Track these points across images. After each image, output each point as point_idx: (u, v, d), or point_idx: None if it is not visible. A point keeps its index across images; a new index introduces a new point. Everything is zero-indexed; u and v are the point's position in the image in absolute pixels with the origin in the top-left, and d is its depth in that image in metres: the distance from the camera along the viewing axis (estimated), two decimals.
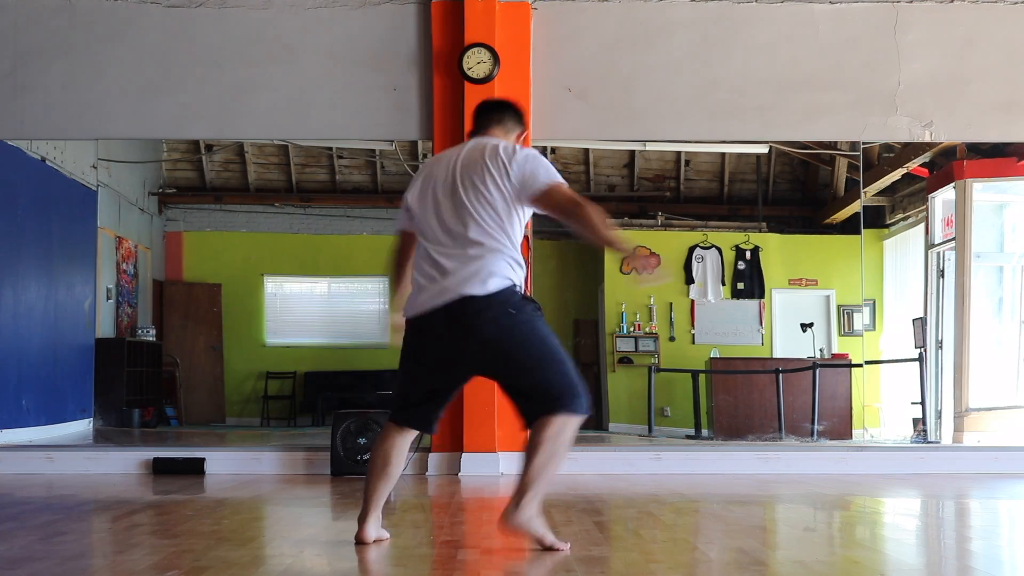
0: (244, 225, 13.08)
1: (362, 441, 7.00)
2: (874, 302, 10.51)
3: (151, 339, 11.83)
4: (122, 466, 7.21)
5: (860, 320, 10.41)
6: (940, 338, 9.45)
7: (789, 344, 10.88)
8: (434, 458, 7.09)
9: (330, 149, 12.42)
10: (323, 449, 7.19)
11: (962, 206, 9.28)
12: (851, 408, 9.54)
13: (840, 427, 9.40)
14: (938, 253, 9.57)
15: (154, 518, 4.89)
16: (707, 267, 11.21)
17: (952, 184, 9.34)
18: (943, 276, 9.50)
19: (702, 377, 10.47)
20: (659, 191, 12.21)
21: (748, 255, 11.18)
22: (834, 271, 10.90)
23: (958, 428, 9.08)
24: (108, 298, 11.07)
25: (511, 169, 3.82)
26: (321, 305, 13.41)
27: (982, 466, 7.29)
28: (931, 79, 7.50)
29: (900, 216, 10.52)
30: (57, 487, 6.24)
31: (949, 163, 9.38)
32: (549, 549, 3.78)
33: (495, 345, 3.75)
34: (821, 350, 10.55)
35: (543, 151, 11.64)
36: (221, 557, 3.65)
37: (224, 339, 12.83)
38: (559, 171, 3.84)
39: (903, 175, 9.81)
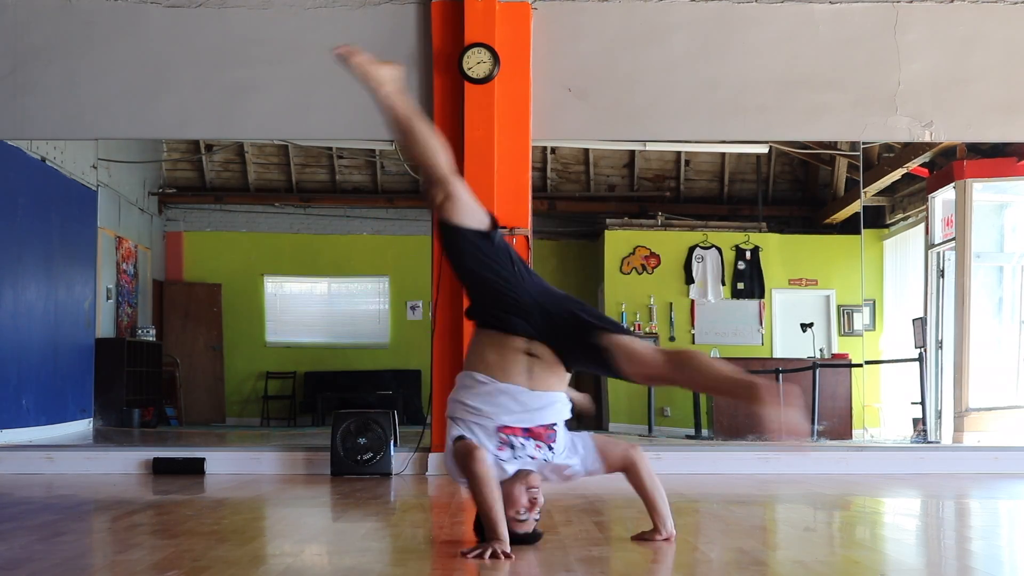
0: (244, 225, 13.09)
1: (362, 441, 6.99)
2: (874, 302, 10.51)
3: (151, 339, 11.83)
4: (122, 466, 7.20)
5: (860, 320, 10.41)
6: (940, 338, 9.45)
7: (789, 344, 10.88)
8: (434, 458, 7.08)
9: (330, 149, 12.42)
10: (323, 449, 7.18)
11: (962, 206, 9.28)
12: (851, 408, 9.53)
13: (840, 427, 9.39)
14: (938, 253, 9.57)
15: (154, 518, 4.89)
16: (707, 267, 11.22)
17: (952, 184, 9.34)
18: (943, 276, 9.50)
19: None
20: (659, 191, 12.22)
21: (748, 255, 11.18)
22: (834, 271, 10.90)
23: (958, 428, 9.08)
24: (108, 298, 11.07)
25: None
26: (321, 305, 13.42)
27: (982, 466, 7.29)
28: (931, 79, 7.49)
29: (900, 216, 10.52)
30: (57, 487, 6.23)
31: (949, 163, 9.38)
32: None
33: None
34: (821, 350, 10.54)
35: (543, 151, 11.66)
36: (221, 557, 3.65)
37: (224, 339, 12.83)
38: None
39: (903, 175, 9.81)
